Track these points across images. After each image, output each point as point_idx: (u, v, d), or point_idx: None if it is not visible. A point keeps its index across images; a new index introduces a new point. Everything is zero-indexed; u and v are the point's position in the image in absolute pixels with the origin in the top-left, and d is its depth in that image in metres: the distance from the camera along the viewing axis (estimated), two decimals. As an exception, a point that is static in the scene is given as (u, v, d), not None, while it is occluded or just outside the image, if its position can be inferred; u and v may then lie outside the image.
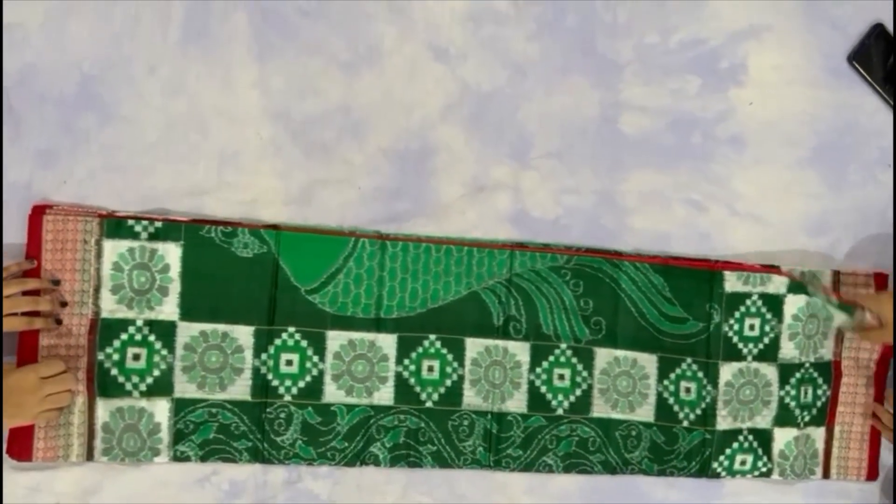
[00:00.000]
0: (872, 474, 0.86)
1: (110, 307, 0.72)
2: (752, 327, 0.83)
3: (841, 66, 0.84)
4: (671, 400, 0.82)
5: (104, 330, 0.72)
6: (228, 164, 0.76)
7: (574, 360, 0.80)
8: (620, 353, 0.81)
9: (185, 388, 0.74)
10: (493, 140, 0.80)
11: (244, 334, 0.75)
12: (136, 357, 0.73)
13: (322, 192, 0.77)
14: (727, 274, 0.82)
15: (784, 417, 0.84)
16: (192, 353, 0.74)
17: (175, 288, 0.73)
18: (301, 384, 0.76)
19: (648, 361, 0.82)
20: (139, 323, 0.73)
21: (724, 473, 0.83)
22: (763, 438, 0.83)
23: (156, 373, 0.73)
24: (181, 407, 0.74)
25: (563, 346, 0.80)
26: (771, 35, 0.83)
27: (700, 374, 0.82)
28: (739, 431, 0.83)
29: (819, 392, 0.85)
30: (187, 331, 0.74)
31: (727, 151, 0.83)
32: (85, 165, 0.73)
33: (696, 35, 0.82)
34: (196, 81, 0.75)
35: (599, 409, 0.81)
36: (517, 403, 0.79)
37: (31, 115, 0.72)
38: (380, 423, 0.77)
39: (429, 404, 0.78)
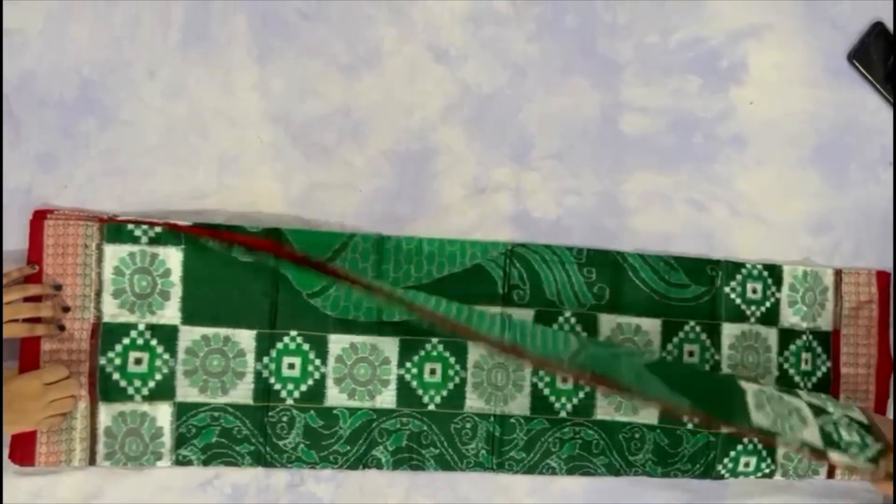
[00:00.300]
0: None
1: (112, 311, 0.72)
2: (754, 291, 0.84)
3: (841, 65, 0.84)
4: None
5: (106, 334, 0.72)
6: (229, 167, 0.75)
7: (578, 327, 0.80)
8: (624, 319, 0.81)
9: (187, 392, 0.74)
10: (493, 141, 0.80)
11: (246, 338, 0.75)
12: (138, 361, 0.73)
13: (323, 195, 0.77)
14: None
15: (786, 383, 0.84)
16: (193, 357, 0.74)
17: (176, 292, 0.73)
18: (303, 388, 0.76)
19: (652, 326, 0.82)
20: (141, 327, 0.73)
21: (727, 475, 0.83)
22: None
23: (158, 377, 0.73)
24: (183, 411, 0.73)
25: (567, 313, 0.80)
26: (771, 34, 0.83)
27: (703, 336, 0.82)
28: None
29: (819, 362, 0.85)
30: (189, 335, 0.73)
31: (728, 151, 0.83)
32: (85, 170, 0.73)
33: (697, 35, 0.82)
34: (196, 84, 0.75)
35: (603, 412, 0.81)
36: (520, 406, 0.79)
37: (31, 119, 0.72)
38: (382, 427, 0.77)
39: (431, 407, 0.78)
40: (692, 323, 0.83)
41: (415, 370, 0.78)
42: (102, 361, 0.72)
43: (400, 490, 0.78)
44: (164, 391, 0.73)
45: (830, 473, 0.85)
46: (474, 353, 0.79)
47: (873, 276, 0.86)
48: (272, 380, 0.75)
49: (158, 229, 0.72)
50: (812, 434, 0.70)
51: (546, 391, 0.80)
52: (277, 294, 0.75)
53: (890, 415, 0.85)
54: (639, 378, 0.69)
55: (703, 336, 0.83)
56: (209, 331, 0.73)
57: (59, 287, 0.70)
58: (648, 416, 0.81)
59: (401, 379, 0.77)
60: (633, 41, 0.81)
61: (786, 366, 0.84)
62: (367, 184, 0.78)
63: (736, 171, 0.83)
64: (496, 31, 0.79)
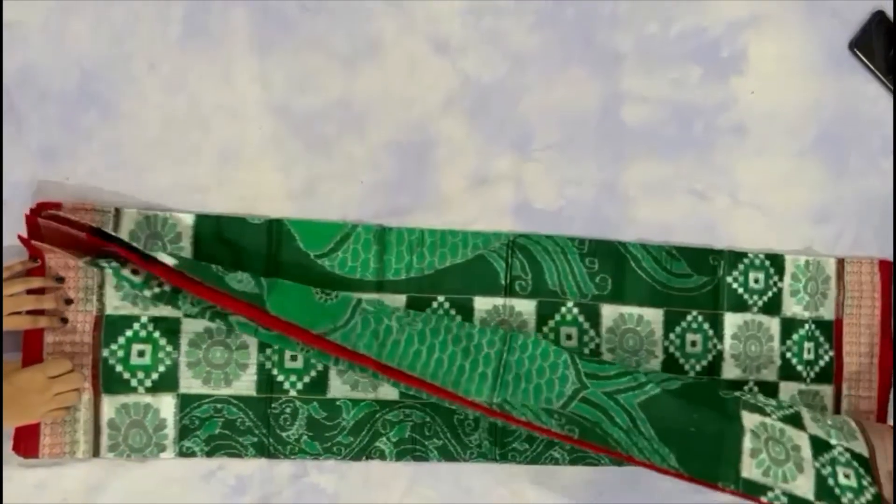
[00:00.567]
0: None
1: (115, 304, 0.72)
2: (756, 280, 0.83)
3: (842, 54, 0.84)
4: (677, 354, 0.82)
5: (109, 327, 0.72)
6: (230, 160, 0.75)
7: (580, 318, 0.81)
8: (626, 309, 0.81)
9: (190, 383, 0.74)
10: (494, 132, 0.79)
11: None
12: (141, 353, 0.73)
13: (324, 187, 0.77)
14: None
15: (788, 372, 0.84)
16: (196, 348, 0.74)
17: (187, 256, 0.73)
18: (306, 379, 0.76)
19: (654, 316, 0.82)
20: (144, 319, 0.73)
21: None
22: (768, 390, 0.84)
23: (161, 369, 0.73)
24: (186, 403, 0.74)
25: (570, 303, 0.80)
26: (771, 24, 0.83)
27: (706, 326, 0.83)
28: (745, 382, 0.83)
29: (821, 351, 0.85)
30: (192, 327, 0.74)
31: (729, 141, 0.83)
32: (87, 163, 0.73)
33: (697, 25, 0.82)
34: (196, 77, 0.75)
35: None
36: None
37: (33, 113, 0.72)
38: (385, 418, 0.77)
39: (434, 399, 0.78)
40: (694, 313, 0.83)
41: None
42: (105, 353, 0.72)
43: (403, 481, 0.78)
44: (167, 383, 0.73)
45: None
46: (480, 311, 0.79)
47: (876, 265, 0.86)
48: (275, 371, 0.75)
49: (138, 278, 0.68)
50: (805, 484, 0.69)
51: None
52: (280, 254, 0.75)
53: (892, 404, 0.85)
54: (628, 432, 0.70)
55: (706, 326, 0.83)
56: (211, 323, 0.73)
57: (61, 279, 0.70)
58: (652, 368, 0.81)
59: None
60: (633, 31, 0.81)
61: (788, 355, 0.84)
62: (368, 175, 0.78)
63: (737, 160, 0.83)
64: (496, 23, 0.79)
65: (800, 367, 0.84)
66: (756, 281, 0.84)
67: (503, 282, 0.79)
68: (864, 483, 0.72)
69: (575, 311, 0.81)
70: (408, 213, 0.78)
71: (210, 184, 0.75)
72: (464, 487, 0.79)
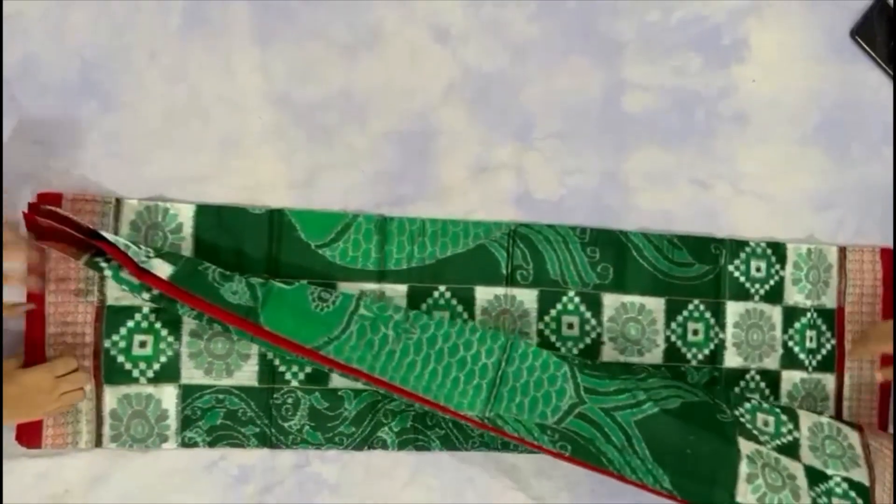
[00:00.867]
0: (882, 424, 0.85)
1: (116, 295, 0.72)
2: (758, 269, 0.83)
3: (844, 42, 0.84)
4: (679, 343, 0.82)
5: (110, 317, 0.72)
6: (231, 150, 0.75)
7: (582, 307, 0.80)
8: (628, 298, 0.81)
9: (192, 374, 0.73)
10: (495, 122, 0.79)
11: None
12: (143, 344, 0.73)
13: (325, 176, 0.77)
14: None
15: (791, 361, 0.84)
16: (198, 339, 0.74)
17: (187, 246, 0.73)
18: (308, 369, 0.76)
19: (656, 305, 0.81)
20: (145, 310, 0.73)
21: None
22: (770, 379, 0.83)
23: (162, 359, 0.73)
24: (188, 393, 0.73)
25: (571, 293, 0.80)
26: (772, 11, 0.82)
27: (707, 315, 0.82)
28: (747, 371, 0.83)
29: (823, 339, 0.85)
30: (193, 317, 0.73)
31: (731, 129, 0.82)
32: (88, 153, 0.72)
33: (698, 12, 0.82)
34: (197, 68, 0.74)
35: (608, 355, 0.81)
36: None
37: (33, 104, 0.72)
38: (387, 408, 0.77)
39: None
40: (696, 301, 0.82)
41: None
42: (107, 344, 0.72)
43: (406, 470, 0.78)
44: (169, 373, 0.73)
45: (838, 416, 0.85)
46: (482, 300, 0.78)
47: (878, 253, 0.85)
48: (276, 361, 0.75)
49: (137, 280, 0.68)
50: None
51: (552, 337, 0.80)
52: (280, 244, 0.75)
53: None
54: (622, 451, 0.69)
55: (708, 314, 0.82)
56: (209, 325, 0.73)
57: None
58: (653, 357, 0.81)
59: None
60: (634, 20, 0.80)
61: (790, 344, 0.84)
62: (369, 165, 0.77)
63: (738, 149, 0.82)
64: (497, 12, 0.79)
65: (802, 356, 0.84)
66: (758, 269, 0.83)
67: (504, 271, 0.79)
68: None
69: (576, 300, 0.80)
70: (409, 202, 0.78)
71: (211, 174, 0.75)
72: (466, 477, 0.79)
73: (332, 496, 0.76)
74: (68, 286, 0.71)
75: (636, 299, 0.81)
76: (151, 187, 0.74)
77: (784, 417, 0.76)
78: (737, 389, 0.83)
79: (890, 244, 0.85)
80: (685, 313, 0.82)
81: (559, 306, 0.80)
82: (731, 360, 0.83)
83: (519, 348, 0.71)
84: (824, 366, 0.84)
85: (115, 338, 0.72)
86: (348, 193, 0.77)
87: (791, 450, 0.73)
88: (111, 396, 0.72)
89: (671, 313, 0.82)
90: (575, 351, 0.80)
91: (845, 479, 0.72)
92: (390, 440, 0.77)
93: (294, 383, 0.75)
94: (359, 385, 0.76)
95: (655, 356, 0.81)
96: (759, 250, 0.83)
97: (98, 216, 0.71)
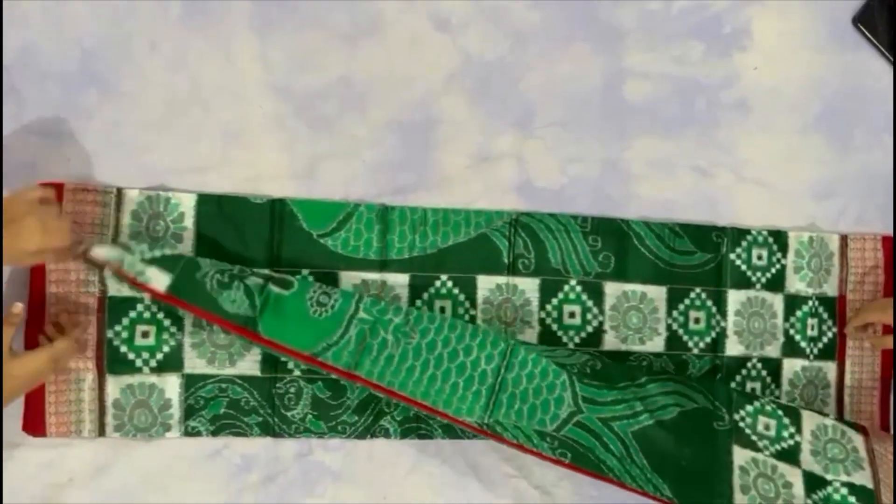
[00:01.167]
0: (884, 411, 0.85)
1: (118, 285, 0.72)
2: (759, 257, 0.83)
3: (846, 29, 0.83)
4: (681, 331, 0.82)
5: (112, 308, 0.72)
6: (232, 139, 0.75)
7: (584, 296, 0.80)
8: (629, 286, 0.81)
9: (194, 363, 0.73)
10: (496, 110, 0.79)
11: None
12: (146, 334, 0.73)
13: (326, 165, 0.76)
14: None
15: (792, 349, 0.84)
16: (200, 329, 0.73)
17: (189, 236, 0.73)
18: None
19: (657, 293, 0.81)
20: (147, 301, 0.72)
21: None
22: (772, 367, 0.84)
23: (165, 349, 0.73)
24: (191, 383, 0.73)
25: (573, 281, 0.80)
26: (774, -1, 0.82)
27: (709, 303, 0.82)
28: (749, 359, 0.83)
29: (824, 328, 0.85)
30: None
31: (732, 117, 0.82)
32: (88, 143, 0.72)
33: (699, 1, 0.81)
34: (197, 57, 0.74)
35: (610, 344, 0.81)
36: (528, 339, 0.79)
37: (33, 92, 0.71)
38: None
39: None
40: (698, 290, 0.82)
41: (425, 309, 0.77)
42: (110, 335, 0.72)
43: (408, 459, 0.78)
44: (171, 363, 0.73)
45: (840, 404, 0.85)
46: (483, 290, 0.79)
47: (879, 241, 0.85)
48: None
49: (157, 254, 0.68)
50: None
51: (554, 326, 0.80)
52: (282, 233, 0.75)
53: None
54: (622, 460, 0.69)
55: (709, 303, 0.82)
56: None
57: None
58: (655, 346, 0.81)
59: None
60: (636, 8, 0.80)
61: (791, 332, 0.84)
62: (370, 154, 0.77)
63: (740, 137, 0.82)
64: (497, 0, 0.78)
65: (803, 344, 0.84)
66: (759, 258, 0.83)
67: (506, 260, 0.79)
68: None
69: (578, 289, 0.80)
70: (410, 192, 0.77)
71: (212, 163, 0.74)
72: (469, 464, 0.79)
73: (335, 484, 0.76)
74: (69, 276, 0.70)
75: (638, 288, 0.81)
76: (152, 177, 0.73)
77: (786, 420, 0.74)
78: (738, 378, 0.83)
79: (890, 232, 0.85)
80: (687, 301, 0.82)
81: (561, 295, 0.80)
82: (733, 348, 0.83)
83: (518, 354, 0.71)
84: (825, 353, 0.84)
85: (118, 328, 0.72)
86: (349, 183, 0.77)
87: (791, 455, 0.73)
88: (114, 386, 0.72)
89: (673, 302, 0.82)
90: (577, 340, 0.80)
91: (845, 485, 0.72)
92: (393, 429, 0.77)
93: (297, 372, 0.75)
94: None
95: (657, 344, 0.81)
96: (760, 239, 0.83)
97: (99, 206, 0.71)
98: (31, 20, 0.71)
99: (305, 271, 0.75)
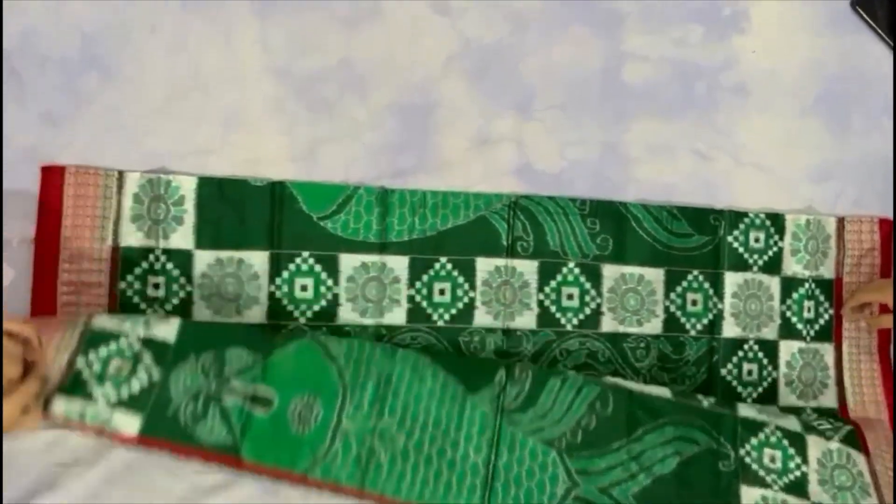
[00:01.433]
0: (888, 392, 0.85)
1: (130, 237, 0.72)
2: (756, 239, 0.84)
3: (844, 13, 0.83)
4: (678, 313, 0.83)
5: (125, 259, 0.72)
6: (232, 122, 0.75)
7: (582, 278, 0.81)
8: (627, 269, 0.81)
9: (203, 314, 0.74)
10: (495, 93, 0.79)
11: (259, 260, 0.75)
12: (157, 286, 0.73)
13: (326, 148, 0.77)
14: None
15: (789, 331, 0.85)
16: (209, 280, 0.74)
17: (189, 219, 0.74)
18: (316, 308, 0.76)
19: (655, 276, 0.82)
20: (158, 252, 0.73)
21: (734, 382, 0.83)
22: (769, 349, 0.84)
23: (175, 301, 0.73)
24: None
25: (571, 264, 0.80)
26: (773, -19, 0.82)
27: (706, 285, 0.83)
28: (745, 341, 0.84)
29: (821, 310, 0.85)
30: (204, 259, 0.73)
31: (731, 100, 0.83)
32: (89, 127, 0.73)
33: (698, -17, 0.81)
34: (197, 40, 0.74)
35: (608, 325, 0.81)
36: (526, 321, 0.80)
37: (34, 76, 0.72)
38: (393, 341, 0.77)
39: (440, 323, 0.78)
40: (695, 272, 0.83)
41: (424, 290, 0.78)
42: (122, 286, 0.72)
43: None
44: (181, 314, 0.73)
45: (840, 384, 0.85)
46: (482, 272, 0.79)
47: (876, 223, 0.86)
48: (285, 301, 0.75)
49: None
50: None
51: (552, 308, 0.80)
52: (283, 216, 0.75)
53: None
54: None
55: (706, 285, 0.83)
56: (223, 254, 0.74)
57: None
58: (652, 327, 0.82)
59: (411, 299, 0.77)
60: (635, -10, 0.80)
61: (788, 314, 0.84)
62: (370, 137, 0.78)
63: (738, 120, 0.83)
64: (497, -17, 0.78)
65: (800, 326, 0.84)
66: (756, 240, 0.84)
67: (505, 242, 0.79)
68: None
69: (576, 271, 0.81)
70: (410, 175, 0.78)
71: (212, 146, 0.75)
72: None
73: None
74: (83, 233, 0.71)
75: (636, 270, 0.81)
76: (153, 160, 0.74)
77: (792, 451, 0.74)
78: (735, 359, 0.83)
79: (887, 215, 0.85)
80: (684, 284, 0.82)
81: (559, 277, 0.80)
82: (730, 330, 0.83)
83: (506, 437, 0.69)
84: (822, 335, 0.85)
85: (130, 279, 0.72)
86: (349, 165, 0.77)
87: (799, 487, 0.72)
88: None
89: (670, 284, 0.82)
90: (574, 321, 0.80)
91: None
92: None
93: (302, 320, 0.75)
94: (365, 320, 0.76)
95: (654, 326, 0.82)
96: (757, 221, 0.83)
97: (101, 189, 0.71)
98: (31, 4, 0.71)
99: (305, 253, 0.75)
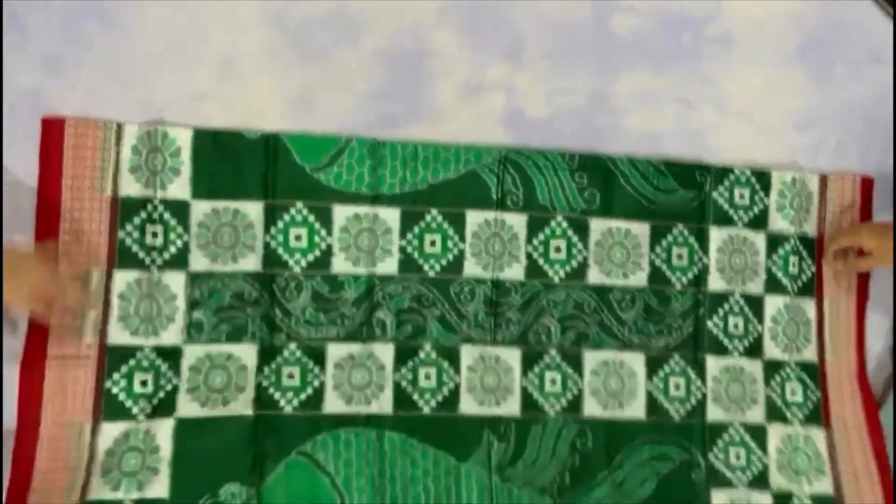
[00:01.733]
0: (861, 358, 0.87)
1: (128, 187, 0.73)
2: (741, 196, 0.85)
3: (827, -37, 0.84)
4: (663, 267, 0.84)
5: (124, 209, 0.73)
6: (228, 70, 0.77)
7: (569, 231, 0.82)
8: (614, 223, 0.82)
9: (199, 262, 0.75)
10: (486, 41, 0.80)
11: (254, 210, 0.76)
12: (155, 235, 0.74)
13: (319, 96, 0.78)
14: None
15: (774, 285, 0.86)
16: (206, 230, 0.75)
17: (186, 170, 0.75)
18: (310, 257, 0.77)
19: (641, 230, 0.83)
20: (156, 201, 0.74)
21: (720, 336, 0.84)
22: (754, 303, 0.86)
23: (172, 249, 0.75)
24: (196, 278, 0.75)
25: (559, 217, 0.81)
26: (756, -69, 0.83)
27: (692, 240, 0.84)
28: (731, 294, 0.85)
29: (804, 266, 0.86)
30: (200, 208, 0.75)
31: (716, 50, 0.84)
32: (90, 72, 0.74)
33: (684, -65, 0.82)
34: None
35: (594, 277, 0.83)
36: (515, 272, 0.81)
37: (36, 21, 0.73)
38: (385, 291, 0.79)
39: (431, 274, 0.80)
40: (680, 227, 0.84)
41: (416, 242, 0.79)
42: (121, 235, 0.73)
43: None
44: (178, 262, 0.74)
45: (821, 342, 0.87)
46: (472, 224, 0.81)
47: (857, 181, 0.87)
48: (280, 251, 0.77)
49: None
50: None
51: (540, 260, 0.82)
52: (276, 167, 0.76)
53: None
54: None
55: (692, 240, 0.84)
56: (218, 204, 0.75)
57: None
58: (638, 280, 0.84)
59: (402, 250, 0.79)
60: (623, -58, 0.81)
61: (773, 269, 0.86)
62: (362, 85, 0.79)
63: (723, 70, 0.84)
64: (488, -67, 0.79)
65: (785, 281, 0.86)
66: (742, 196, 0.85)
67: (495, 196, 0.80)
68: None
69: (564, 224, 0.82)
70: (401, 122, 0.79)
71: (208, 93, 0.76)
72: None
73: None
74: (83, 183, 0.73)
75: (622, 224, 0.83)
76: (151, 107, 0.75)
77: (753, 445, 0.82)
78: (720, 312, 0.84)
79: (868, 164, 0.87)
80: (669, 238, 0.84)
81: (547, 230, 0.81)
82: (715, 283, 0.85)
83: (503, 496, 0.76)
84: (805, 290, 0.86)
85: (129, 228, 0.74)
86: (341, 113, 0.78)
87: (761, 479, 0.81)
88: (121, 280, 0.73)
89: (656, 238, 0.84)
90: (562, 274, 0.82)
91: (809, 496, 0.81)
92: (389, 320, 0.78)
93: (296, 269, 0.77)
94: (358, 270, 0.77)
95: (640, 279, 0.83)
96: (743, 178, 0.84)
97: (100, 140, 0.73)
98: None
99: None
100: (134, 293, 0.73)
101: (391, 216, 0.79)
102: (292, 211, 0.77)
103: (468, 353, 0.80)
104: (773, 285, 0.86)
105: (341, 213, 0.78)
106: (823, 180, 0.87)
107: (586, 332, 0.82)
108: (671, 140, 0.83)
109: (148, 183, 0.74)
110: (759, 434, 0.83)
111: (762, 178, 0.85)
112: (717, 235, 0.85)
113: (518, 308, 0.81)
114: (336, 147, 0.78)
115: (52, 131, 0.72)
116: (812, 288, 0.87)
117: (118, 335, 0.73)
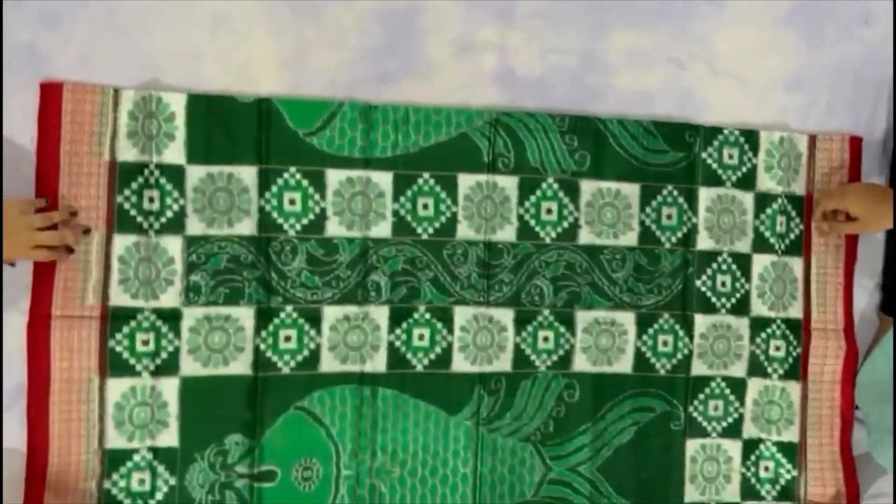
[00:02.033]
0: (847, 312, 0.88)
1: (125, 152, 0.74)
2: (730, 156, 0.86)
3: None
4: (653, 227, 0.85)
5: (122, 173, 0.74)
6: (222, 26, 0.77)
7: (560, 193, 0.83)
8: (604, 184, 0.84)
9: (195, 227, 0.76)
10: (479, 1, 0.80)
11: (248, 175, 0.77)
12: (152, 199, 0.75)
13: (313, 53, 0.78)
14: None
15: (761, 244, 0.88)
16: (201, 195, 0.76)
17: (181, 135, 0.76)
18: (304, 221, 0.79)
19: (631, 191, 0.84)
20: (152, 167, 0.75)
21: (708, 293, 0.86)
22: (742, 262, 0.88)
23: (169, 214, 0.76)
24: (193, 242, 0.76)
25: (550, 179, 0.82)
26: None
27: (681, 200, 0.85)
28: (719, 253, 0.87)
29: (792, 224, 0.88)
30: (196, 173, 0.76)
31: (707, 10, 0.84)
32: (86, 28, 0.74)
33: None
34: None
35: (585, 238, 0.84)
36: (507, 234, 0.83)
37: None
38: (379, 254, 0.80)
39: (424, 237, 0.81)
40: (670, 187, 0.85)
41: (409, 205, 0.80)
42: (119, 199, 0.75)
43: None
44: (174, 226, 0.75)
45: (807, 304, 0.88)
46: (465, 187, 0.82)
47: (846, 141, 0.87)
48: (275, 214, 0.78)
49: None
50: (732, 490, 0.85)
51: (532, 222, 0.83)
52: (269, 132, 0.77)
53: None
54: (591, 497, 0.82)
55: (681, 200, 0.85)
56: (213, 168, 0.76)
57: (74, 213, 0.73)
58: (628, 240, 0.85)
59: (396, 213, 0.80)
60: None
61: (761, 228, 0.87)
62: (355, 41, 0.79)
63: (714, 29, 0.84)
64: None
65: (773, 240, 0.87)
66: (730, 157, 0.85)
67: (486, 159, 0.81)
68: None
69: (555, 186, 0.82)
70: (394, 80, 0.80)
71: (204, 50, 0.77)
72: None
73: None
74: (81, 148, 0.73)
75: (612, 185, 0.84)
76: (146, 64, 0.75)
77: (732, 397, 0.86)
78: (709, 271, 0.85)
79: (856, 124, 0.88)
80: (659, 198, 0.84)
81: (538, 192, 0.82)
82: (703, 242, 0.86)
83: (488, 446, 0.81)
84: (792, 249, 0.87)
85: (127, 192, 0.75)
86: (334, 70, 0.79)
87: (734, 429, 0.86)
88: (120, 244, 0.75)
89: (645, 198, 0.84)
90: (553, 234, 0.83)
91: (775, 443, 0.86)
92: (383, 282, 0.80)
93: (291, 233, 0.78)
94: (352, 233, 0.79)
95: (630, 239, 0.84)
96: (731, 138, 0.85)
97: (98, 106, 0.73)
98: None
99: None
100: (133, 256, 0.75)
101: (384, 180, 0.80)
102: (286, 175, 0.78)
103: (461, 314, 0.81)
104: (760, 244, 0.87)
105: (334, 178, 0.79)
106: (812, 140, 0.87)
107: (578, 291, 0.83)
108: (662, 99, 0.84)
109: (144, 148, 0.75)
110: (738, 387, 0.86)
111: (751, 139, 0.86)
112: (705, 195, 0.86)
113: (510, 269, 0.82)
114: (328, 111, 0.78)
115: (51, 96, 0.73)
116: (800, 246, 0.88)
117: (118, 297, 0.75)
